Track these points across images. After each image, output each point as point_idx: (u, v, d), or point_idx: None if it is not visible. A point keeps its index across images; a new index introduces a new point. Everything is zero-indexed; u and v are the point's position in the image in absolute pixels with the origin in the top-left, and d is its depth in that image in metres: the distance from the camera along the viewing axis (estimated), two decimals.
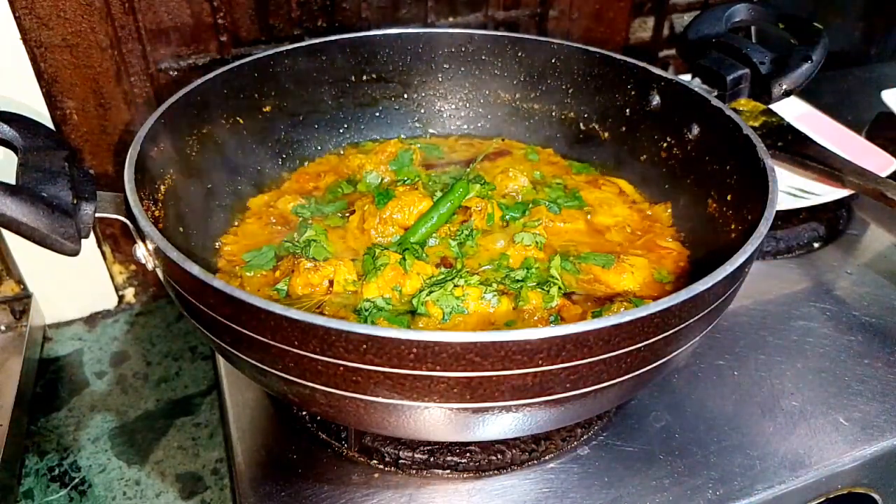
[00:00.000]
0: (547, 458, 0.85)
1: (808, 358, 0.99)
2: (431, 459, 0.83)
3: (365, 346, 0.58)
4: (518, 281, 0.87)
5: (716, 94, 0.98)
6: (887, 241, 1.23)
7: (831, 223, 1.24)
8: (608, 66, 1.09)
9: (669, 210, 1.03)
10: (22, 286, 1.18)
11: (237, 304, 0.61)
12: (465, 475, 0.83)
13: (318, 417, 0.87)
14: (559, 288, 0.86)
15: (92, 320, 1.25)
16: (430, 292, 0.82)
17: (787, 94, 1.00)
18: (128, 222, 0.73)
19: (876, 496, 0.93)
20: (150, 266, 0.73)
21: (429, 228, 0.94)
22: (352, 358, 0.59)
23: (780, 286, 1.12)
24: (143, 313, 1.27)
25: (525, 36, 1.15)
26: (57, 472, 0.99)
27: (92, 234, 0.97)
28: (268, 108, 1.07)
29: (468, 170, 1.10)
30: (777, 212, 0.77)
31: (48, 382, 1.13)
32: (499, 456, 0.83)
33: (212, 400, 1.11)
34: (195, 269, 0.63)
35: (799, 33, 1.07)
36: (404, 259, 0.87)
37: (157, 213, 0.83)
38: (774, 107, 1.27)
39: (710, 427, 0.89)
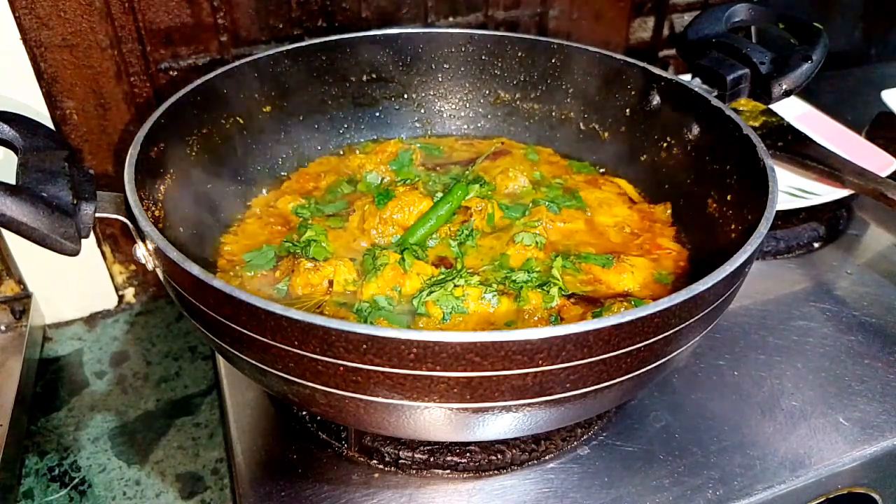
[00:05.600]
0: (547, 458, 0.85)
1: (808, 358, 0.99)
2: (431, 459, 0.83)
3: (365, 346, 0.58)
4: (519, 282, 0.87)
5: (716, 94, 0.98)
6: (887, 241, 1.23)
7: (831, 223, 1.23)
8: (608, 66, 1.09)
9: (669, 210, 1.03)
10: (22, 286, 1.18)
11: (237, 304, 0.61)
12: (465, 475, 0.83)
13: (318, 417, 0.87)
14: (559, 288, 0.86)
15: (92, 320, 1.25)
16: (431, 292, 0.82)
17: (787, 94, 1.00)
18: (128, 222, 0.73)
19: (876, 496, 0.93)
20: (150, 266, 0.74)
21: (427, 230, 0.94)
22: (352, 358, 0.59)
23: (780, 286, 1.12)
24: (143, 313, 1.27)
25: (525, 36, 1.15)
26: (57, 472, 0.99)
27: (92, 234, 0.97)
28: (268, 108, 1.07)
29: (468, 170, 1.10)
30: (777, 212, 0.77)
31: (48, 382, 1.13)
32: (499, 456, 0.83)
33: (212, 400, 1.11)
34: (195, 269, 0.63)
35: (799, 33, 1.07)
36: (403, 259, 0.87)
37: (157, 213, 0.83)
38: (774, 107, 1.27)
39: (710, 427, 0.89)
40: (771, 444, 0.88)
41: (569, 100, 1.16)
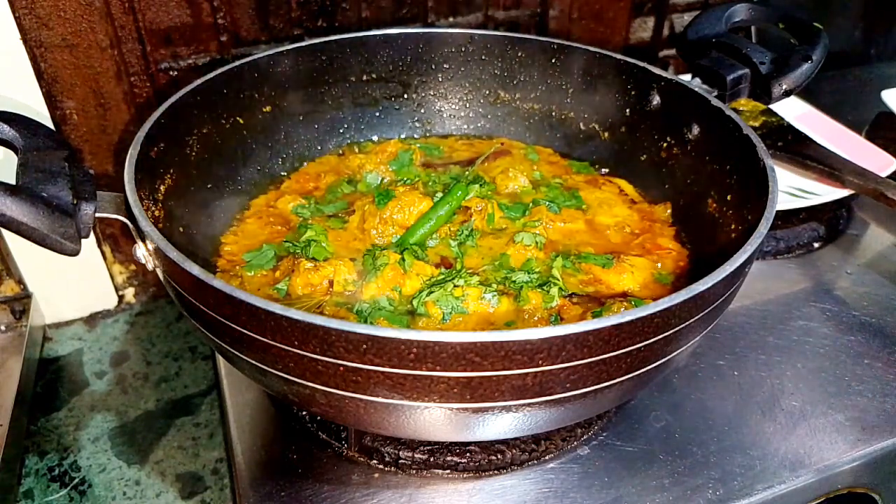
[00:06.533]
0: (547, 458, 0.85)
1: (808, 358, 0.99)
2: (431, 459, 0.83)
3: (365, 346, 0.58)
4: (518, 282, 0.87)
5: (716, 94, 0.98)
6: (887, 241, 1.23)
7: (831, 223, 1.24)
8: (608, 66, 1.10)
9: (669, 210, 1.03)
10: (22, 286, 1.18)
11: (237, 304, 0.61)
12: (465, 475, 0.83)
13: (318, 417, 0.87)
14: (560, 288, 0.86)
15: (92, 320, 1.25)
16: (430, 292, 0.82)
17: (787, 94, 1.00)
18: (128, 222, 0.73)
19: (876, 496, 0.93)
20: (150, 266, 0.73)
21: (427, 230, 0.94)
22: (352, 358, 0.59)
23: (780, 286, 1.12)
24: (143, 313, 1.27)
25: (525, 36, 1.15)
26: (57, 472, 0.99)
27: (92, 234, 0.97)
28: (268, 108, 1.07)
29: (468, 170, 1.10)
30: (777, 212, 0.77)
31: (48, 382, 1.13)
32: (499, 456, 0.83)
33: (212, 400, 1.11)
34: (195, 269, 0.63)
35: (799, 33, 1.07)
36: (403, 259, 0.87)
37: (157, 213, 0.83)
38: (774, 107, 1.27)
39: (710, 427, 0.89)
40: (771, 444, 0.88)
41: (569, 100, 1.16)
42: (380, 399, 0.63)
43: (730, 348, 1.00)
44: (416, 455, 0.83)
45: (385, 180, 1.08)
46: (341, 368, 0.60)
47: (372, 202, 0.97)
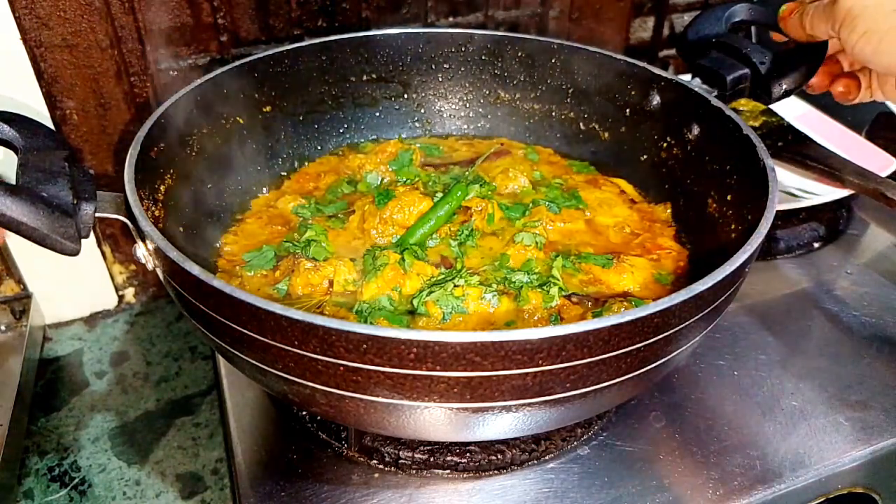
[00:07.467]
0: (547, 458, 0.85)
1: (808, 358, 0.99)
2: (431, 459, 0.83)
3: (365, 346, 0.58)
4: (518, 283, 0.87)
5: (716, 94, 0.98)
6: (887, 241, 1.23)
7: (831, 223, 1.24)
8: (608, 65, 1.10)
9: (669, 210, 1.03)
10: (22, 286, 1.18)
11: (237, 304, 0.61)
12: (465, 475, 0.83)
13: (318, 417, 0.87)
14: (560, 288, 0.86)
15: (92, 320, 1.25)
16: (430, 292, 0.82)
17: (787, 94, 1.00)
18: (128, 222, 0.73)
19: (876, 496, 0.93)
20: (150, 266, 0.74)
21: (427, 230, 0.94)
22: (352, 358, 0.59)
23: (780, 286, 1.12)
24: (143, 313, 1.27)
25: (525, 36, 1.15)
26: (57, 472, 0.99)
27: (92, 234, 0.97)
28: (268, 108, 1.07)
29: (468, 170, 1.10)
30: (777, 212, 0.77)
31: (48, 382, 1.13)
32: (499, 456, 0.83)
33: (212, 400, 1.11)
34: (195, 269, 0.63)
35: None
36: (403, 259, 0.87)
37: (157, 213, 0.83)
38: (774, 107, 1.27)
39: (710, 427, 0.89)
40: (771, 444, 0.88)
41: (569, 100, 1.16)
42: (380, 399, 0.63)
43: (730, 348, 1.00)
44: (416, 455, 0.83)
45: (385, 180, 1.08)
46: (341, 368, 0.60)
47: (372, 202, 0.97)
